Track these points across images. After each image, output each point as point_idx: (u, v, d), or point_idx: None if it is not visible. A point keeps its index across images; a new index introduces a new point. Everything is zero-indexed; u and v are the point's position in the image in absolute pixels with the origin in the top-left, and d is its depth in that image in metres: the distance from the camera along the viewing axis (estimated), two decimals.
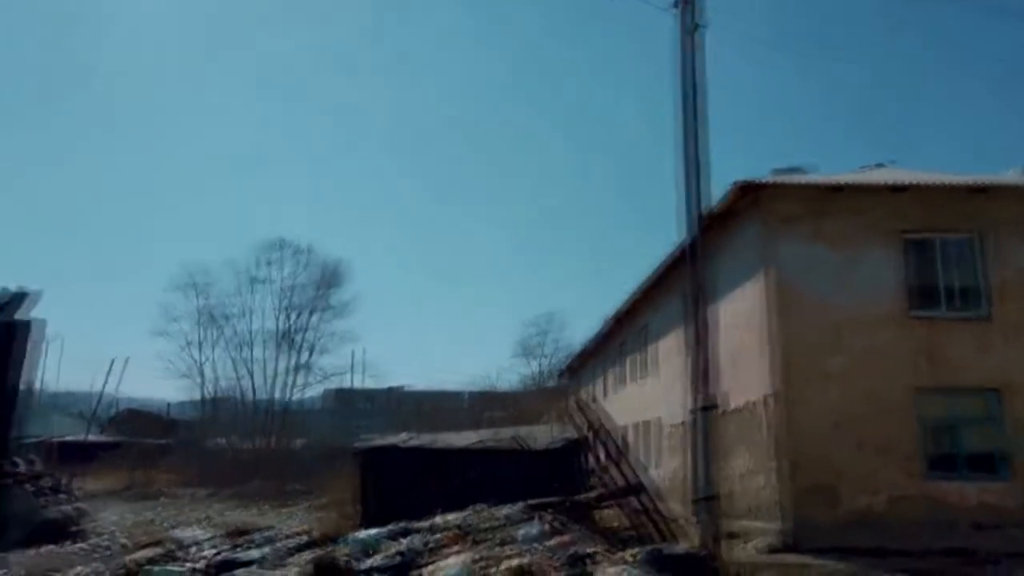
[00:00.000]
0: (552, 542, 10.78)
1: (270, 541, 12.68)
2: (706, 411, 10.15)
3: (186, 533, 14.07)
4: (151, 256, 75.61)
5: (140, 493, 24.67)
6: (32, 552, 11.59)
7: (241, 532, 13.90)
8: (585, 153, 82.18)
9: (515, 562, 9.47)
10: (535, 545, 10.70)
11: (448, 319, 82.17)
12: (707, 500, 9.83)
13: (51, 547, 12.41)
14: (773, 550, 10.62)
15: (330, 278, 43.98)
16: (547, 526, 12.30)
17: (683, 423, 15.18)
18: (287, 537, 13.21)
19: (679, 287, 14.48)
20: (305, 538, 13.09)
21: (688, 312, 14.05)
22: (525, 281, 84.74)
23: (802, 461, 11.23)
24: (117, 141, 72.31)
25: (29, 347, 4.48)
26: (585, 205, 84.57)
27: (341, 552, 10.70)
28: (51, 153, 68.70)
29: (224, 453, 33.89)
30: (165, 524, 16.35)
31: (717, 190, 11.67)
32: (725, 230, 12.87)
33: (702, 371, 10.33)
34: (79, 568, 9.97)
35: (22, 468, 16.11)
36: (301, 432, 37.89)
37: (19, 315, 4.38)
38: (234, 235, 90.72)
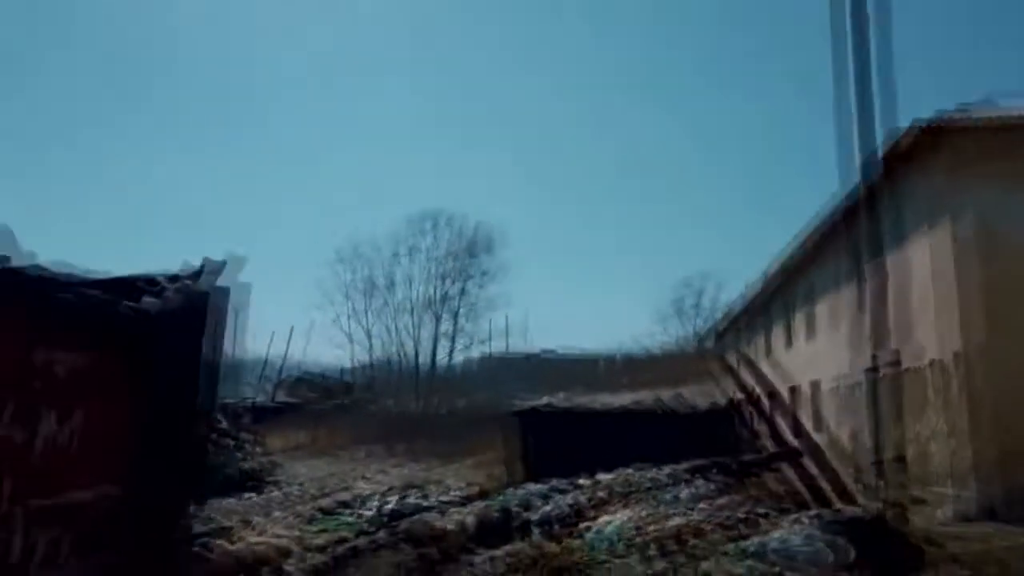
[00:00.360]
0: (713, 503, 10.58)
1: (435, 494, 13.43)
2: (883, 370, 9.49)
3: (361, 485, 15.17)
4: (321, 229, 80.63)
5: (313, 451, 26.77)
6: (233, 500, 12.85)
7: (408, 486, 14.80)
8: (738, 107, 77.89)
9: (677, 521, 9.37)
10: (696, 505, 10.55)
11: (594, 284, 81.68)
12: (886, 463, 9.24)
13: (250, 495, 13.74)
14: (963, 518, 9.82)
15: (480, 245, 45.44)
16: (707, 487, 12.10)
17: (851, 384, 14.30)
18: (451, 491, 13.92)
19: (847, 240, 13.53)
20: (467, 492, 13.75)
21: (858, 266, 13.14)
22: (673, 245, 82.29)
23: (998, 424, 10.21)
24: (288, 120, 77.72)
25: (228, 312, 4.88)
26: (739, 161, 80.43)
27: (503, 505, 11.12)
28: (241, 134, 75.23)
29: (385, 415, 36.04)
30: (341, 478, 17.66)
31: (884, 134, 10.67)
32: (902, 176, 11.77)
33: (877, 328, 9.66)
34: (278, 513, 11.00)
35: (224, 425, 17.98)
36: (455, 395, 39.50)
37: (221, 282, 4.79)
38: (391, 207, 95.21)
